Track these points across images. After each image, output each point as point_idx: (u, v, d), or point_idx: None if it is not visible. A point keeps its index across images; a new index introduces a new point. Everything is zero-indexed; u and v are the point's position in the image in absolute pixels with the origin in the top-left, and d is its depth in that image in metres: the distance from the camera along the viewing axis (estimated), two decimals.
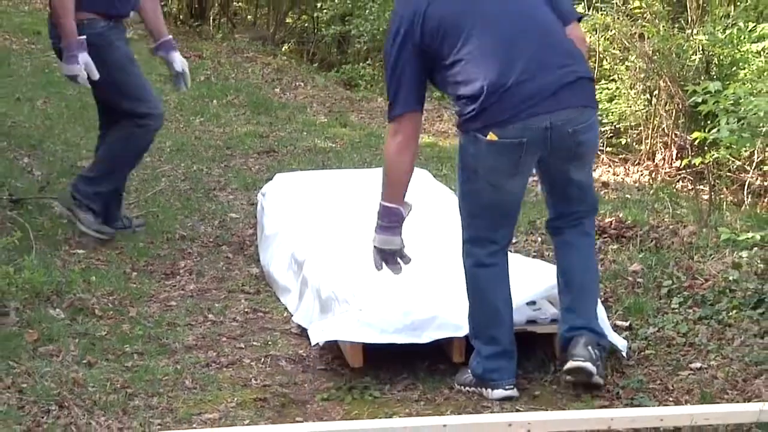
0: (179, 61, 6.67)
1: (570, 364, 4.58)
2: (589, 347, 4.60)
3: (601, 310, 4.92)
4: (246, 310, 5.69)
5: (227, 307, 5.69)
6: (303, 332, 5.34)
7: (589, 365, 4.56)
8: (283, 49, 12.23)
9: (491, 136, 4.45)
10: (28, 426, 4.25)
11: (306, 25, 12.70)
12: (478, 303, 4.69)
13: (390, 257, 4.68)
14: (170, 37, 6.74)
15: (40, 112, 9.22)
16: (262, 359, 5.07)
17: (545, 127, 4.46)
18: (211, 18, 12.84)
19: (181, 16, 12.94)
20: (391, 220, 4.64)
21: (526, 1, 4.63)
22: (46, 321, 5.23)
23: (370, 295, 4.91)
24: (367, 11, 11.54)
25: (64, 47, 6.28)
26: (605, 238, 6.52)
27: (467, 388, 4.70)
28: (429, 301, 4.92)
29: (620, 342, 4.89)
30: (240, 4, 13.43)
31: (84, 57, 6.23)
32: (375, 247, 4.68)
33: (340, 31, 12.15)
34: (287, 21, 12.79)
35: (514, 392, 4.62)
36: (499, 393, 4.61)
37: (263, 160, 8.36)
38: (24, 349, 4.92)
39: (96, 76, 6.27)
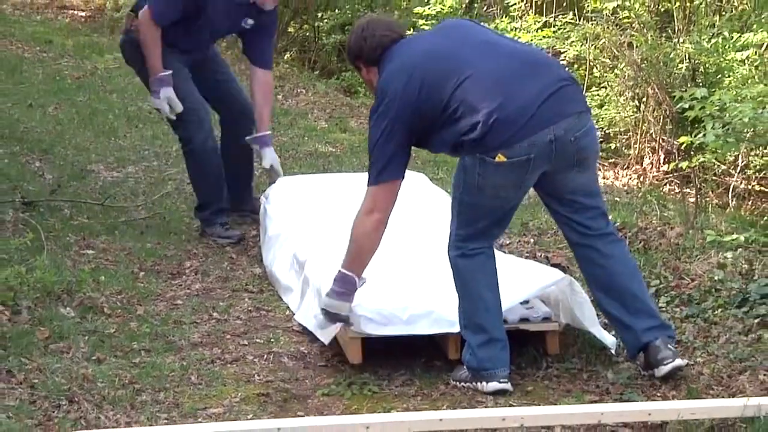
0: (269, 158, 6.67)
1: (666, 369, 4.59)
2: (670, 345, 4.64)
3: (591, 309, 4.93)
4: (249, 308, 5.69)
5: (231, 306, 5.69)
6: (304, 330, 5.34)
7: (679, 361, 4.61)
8: (285, 58, 12.22)
9: (500, 158, 4.46)
10: (39, 420, 4.26)
11: (307, 34, 12.70)
12: (464, 293, 4.68)
13: (336, 319, 4.75)
14: (269, 133, 6.76)
15: (52, 118, 9.22)
16: (265, 356, 5.08)
17: (550, 140, 4.48)
18: None
19: None
20: (347, 288, 4.71)
21: (486, 33, 4.76)
22: (56, 319, 5.23)
23: (368, 292, 4.91)
24: None
25: (150, 82, 6.44)
26: None
27: (463, 383, 4.70)
28: (425, 297, 4.93)
29: (609, 339, 4.89)
30: None
31: (166, 92, 6.40)
32: (323, 309, 4.75)
33: (340, 40, 12.16)
34: (289, 30, 12.79)
35: (508, 386, 4.61)
36: (493, 386, 4.60)
37: None
38: (35, 346, 4.92)
39: (179, 109, 6.42)
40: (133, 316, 5.44)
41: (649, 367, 4.66)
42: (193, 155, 6.65)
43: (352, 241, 4.69)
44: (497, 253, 4.90)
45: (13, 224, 6.44)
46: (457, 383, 4.72)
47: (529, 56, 4.70)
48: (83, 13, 13.92)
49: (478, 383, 4.64)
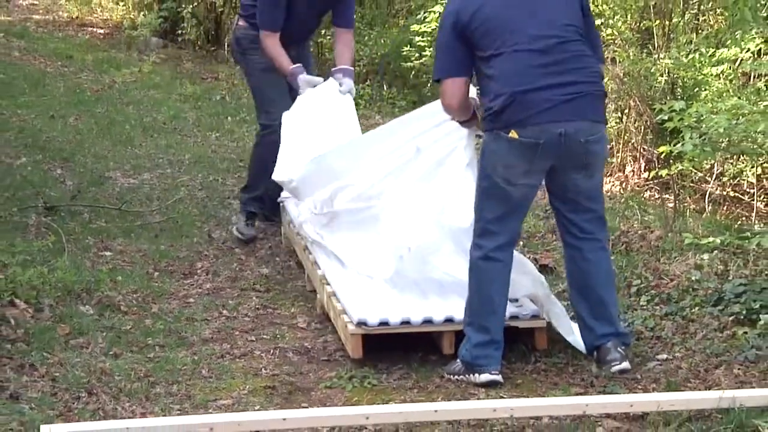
0: (347, 85, 6.54)
1: (613, 369, 4.64)
2: (620, 349, 4.68)
3: (567, 320, 4.95)
4: (257, 306, 5.68)
5: (240, 304, 5.69)
6: (309, 325, 5.36)
7: (625, 364, 4.66)
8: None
9: (513, 134, 4.53)
10: (60, 411, 4.26)
11: (311, 50, 12.69)
12: (476, 293, 4.69)
13: None
14: (351, 68, 6.68)
15: (72, 128, 9.21)
16: (272, 351, 5.07)
17: (560, 133, 4.52)
18: (226, 43, 12.81)
19: (199, 42, 12.92)
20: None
21: (557, 24, 4.68)
22: (76, 316, 5.23)
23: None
24: (366, 38, 11.54)
25: (289, 81, 6.45)
26: None
27: (456, 376, 4.70)
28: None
29: (582, 346, 4.88)
30: None
31: (303, 80, 6.39)
32: None
33: None
34: None
35: (499, 377, 4.62)
36: (485, 377, 4.60)
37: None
38: (57, 341, 4.92)
39: (319, 81, 6.45)
40: (148, 314, 5.44)
41: (599, 364, 4.71)
42: (263, 143, 6.64)
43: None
44: None
45: (36, 228, 6.44)
46: (451, 376, 4.71)
47: (575, 51, 4.66)
48: (102, 31, 13.91)
49: (471, 375, 4.64)
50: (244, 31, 6.62)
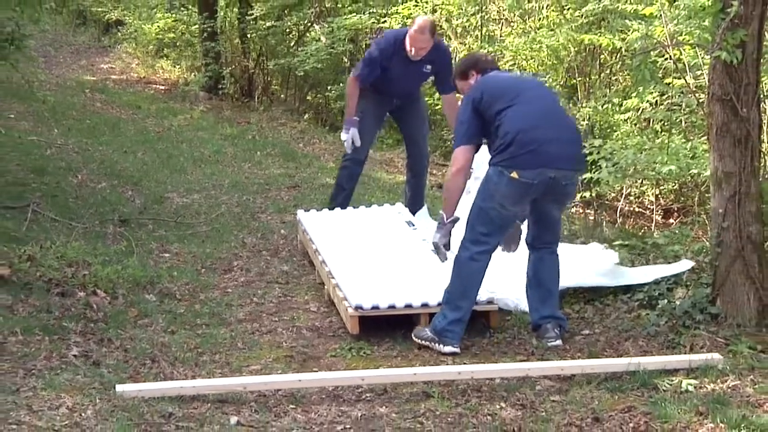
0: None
1: (549, 344, 4.64)
2: (555, 329, 4.70)
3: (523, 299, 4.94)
4: (279, 295, 5.65)
5: (266, 293, 5.66)
6: (319, 309, 5.34)
7: (558, 342, 4.67)
8: (305, 117, 12.18)
9: (514, 174, 4.50)
10: (130, 374, 4.25)
11: (320, 101, 12.66)
12: (458, 281, 4.66)
13: (438, 249, 4.82)
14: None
15: (140, 160, 9.19)
16: (290, 329, 5.05)
17: (550, 177, 4.54)
18: (256, 96, 12.80)
19: (235, 95, 12.90)
20: (443, 223, 4.78)
21: (546, 93, 4.90)
22: (143, 303, 5.21)
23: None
24: None
25: (345, 121, 6.38)
26: None
27: (422, 341, 4.67)
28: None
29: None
30: (276, 86, 13.39)
31: (353, 131, 6.32)
32: (434, 243, 4.83)
33: (342, 106, 12.13)
34: (308, 98, 12.76)
35: (458, 350, 4.61)
36: (449, 349, 4.59)
37: (291, 192, 8.32)
38: (128, 321, 4.90)
39: (358, 144, 6.34)
40: (197, 300, 5.42)
41: (539, 339, 4.71)
42: (342, 168, 6.63)
43: (444, 190, 4.83)
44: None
45: (113, 235, 6.41)
46: (418, 340, 4.68)
47: (560, 112, 4.81)
48: (162, 87, 13.87)
49: (436, 344, 4.61)
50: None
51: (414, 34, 6.16)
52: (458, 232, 4.79)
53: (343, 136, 6.45)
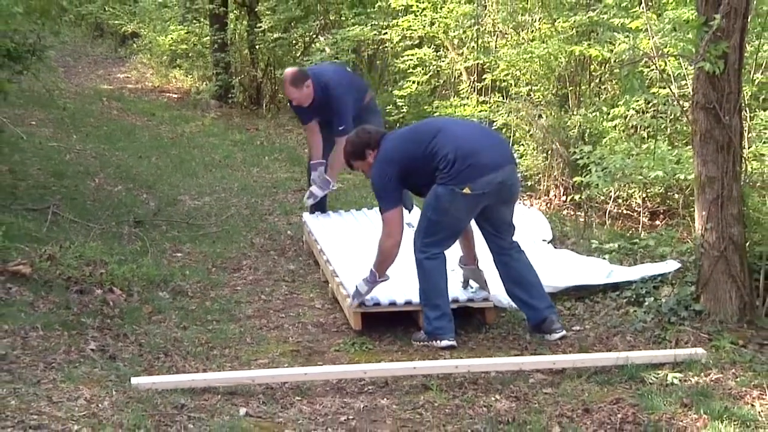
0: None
1: (556, 336, 4.62)
2: (558, 321, 4.68)
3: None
4: (286, 293, 5.65)
5: (273, 291, 5.66)
6: (323, 306, 5.33)
7: (564, 332, 4.65)
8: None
9: (466, 190, 4.48)
10: (145, 367, 4.25)
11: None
12: (426, 282, 4.66)
13: (359, 298, 4.79)
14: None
15: (154, 165, 9.19)
16: (296, 324, 5.05)
17: (500, 181, 4.53)
18: (264, 104, 12.80)
19: (244, 104, 12.90)
20: (372, 281, 4.75)
21: (457, 119, 5.11)
22: (156, 300, 5.21)
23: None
24: None
25: (316, 181, 6.39)
26: None
27: (420, 343, 4.67)
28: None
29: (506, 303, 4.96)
30: (283, 95, 13.40)
31: (315, 174, 6.39)
32: (356, 288, 4.77)
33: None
34: None
35: (454, 343, 4.60)
36: (445, 342, 4.59)
37: (297, 195, 8.31)
38: (142, 317, 4.90)
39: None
40: (208, 298, 5.42)
41: (545, 332, 4.66)
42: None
43: (379, 254, 4.72)
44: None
45: (128, 236, 6.41)
46: (417, 343, 4.69)
47: (477, 124, 4.84)
48: (175, 96, 13.87)
49: (433, 341, 4.61)
50: None
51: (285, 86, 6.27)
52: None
53: (312, 178, 6.46)
